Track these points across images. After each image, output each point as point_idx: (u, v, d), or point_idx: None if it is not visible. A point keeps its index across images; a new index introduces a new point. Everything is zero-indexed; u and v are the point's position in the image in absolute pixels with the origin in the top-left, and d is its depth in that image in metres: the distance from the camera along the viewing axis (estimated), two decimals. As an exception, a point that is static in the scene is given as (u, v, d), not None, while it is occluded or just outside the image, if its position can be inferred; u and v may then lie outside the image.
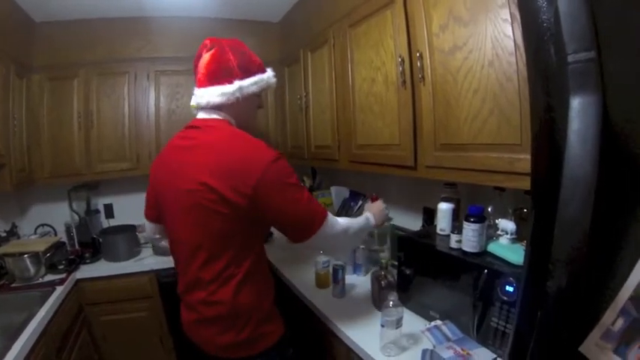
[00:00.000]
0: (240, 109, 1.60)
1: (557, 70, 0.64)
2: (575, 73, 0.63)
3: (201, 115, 1.59)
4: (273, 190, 1.41)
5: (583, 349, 0.69)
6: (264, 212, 1.44)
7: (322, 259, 2.24)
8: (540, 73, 0.70)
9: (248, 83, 1.56)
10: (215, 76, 1.53)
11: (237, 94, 1.54)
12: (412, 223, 2.56)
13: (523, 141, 1.34)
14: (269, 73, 1.65)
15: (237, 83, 1.53)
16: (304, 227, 1.50)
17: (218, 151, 1.44)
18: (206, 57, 1.54)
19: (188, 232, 1.53)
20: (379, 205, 1.90)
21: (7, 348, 1.81)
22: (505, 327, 1.43)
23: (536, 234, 0.70)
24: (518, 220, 1.64)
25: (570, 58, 0.63)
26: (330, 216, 1.56)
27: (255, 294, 1.55)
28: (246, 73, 1.56)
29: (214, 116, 1.56)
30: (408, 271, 1.88)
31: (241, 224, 1.46)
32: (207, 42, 1.57)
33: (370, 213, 1.80)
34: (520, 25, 1.29)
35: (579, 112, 0.61)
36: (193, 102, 1.61)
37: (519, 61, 1.33)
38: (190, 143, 1.53)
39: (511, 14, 1.34)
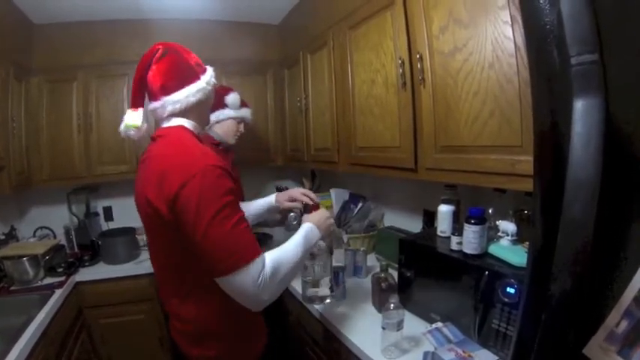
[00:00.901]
0: (204, 106, 1.56)
1: (560, 73, 0.64)
2: (578, 76, 0.62)
3: (163, 125, 1.49)
4: (190, 206, 1.22)
5: (587, 351, 0.69)
6: (184, 229, 1.26)
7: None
8: (543, 76, 0.69)
9: (209, 75, 1.55)
10: (181, 79, 1.46)
11: (209, 87, 1.52)
12: (412, 225, 2.56)
13: (524, 142, 1.34)
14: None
15: (203, 78, 1.51)
16: (214, 263, 1.26)
17: (156, 162, 1.35)
18: (163, 64, 1.45)
19: (149, 244, 1.55)
20: (322, 213, 1.71)
21: (7, 351, 1.81)
22: (506, 329, 1.43)
23: (540, 236, 0.70)
24: (519, 221, 1.63)
25: (573, 61, 0.63)
26: (257, 263, 1.29)
27: (218, 312, 1.45)
28: (203, 67, 1.55)
29: (172, 123, 1.47)
30: (408, 273, 1.88)
31: (173, 238, 1.33)
32: (160, 47, 1.48)
33: (311, 223, 1.61)
34: (521, 27, 1.29)
35: (582, 115, 0.61)
36: (136, 121, 1.48)
37: (520, 63, 1.32)
38: (145, 157, 1.45)
39: (511, 16, 1.33)
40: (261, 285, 1.28)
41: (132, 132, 1.49)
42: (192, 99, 1.46)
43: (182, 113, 1.47)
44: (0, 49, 2.63)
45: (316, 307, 2.05)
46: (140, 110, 1.49)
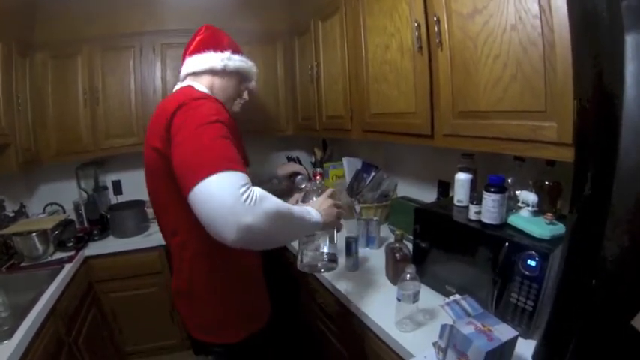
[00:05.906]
0: (220, 83, 1.68)
1: (607, 11, 0.58)
2: (630, 11, 0.56)
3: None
4: (180, 128, 1.22)
5: (636, 322, 0.64)
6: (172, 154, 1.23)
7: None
8: (585, 16, 0.63)
9: (237, 58, 1.71)
10: (206, 46, 1.65)
11: (227, 62, 1.65)
12: (426, 195, 2.53)
13: (548, 108, 1.27)
14: (252, 63, 1.80)
15: (227, 53, 1.67)
16: (188, 171, 1.13)
17: (157, 111, 1.42)
18: (199, 36, 1.70)
19: (150, 194, 1.53)
20: (326, 200, 1.50)
21: (17, 326, 1.81)
22: (525, 303, 1.39)
23: (585, 192, 0.63)
24: (539, 192, 1.57)
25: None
26: (239, 175, 1.11)
27: (211, 275, 1.49)
28: (236, 51, 1.73)
29: (185, 84, 1.61)
30: (423, 244, 1.84)
31: (169, 181, 1.30)
32: (203, 27, 1.73)
33: (313, 208, 1.42)
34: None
35: (636, 51, 0.55)
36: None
37: (544, 25, 1.24)
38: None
39: (536, -26, 1.25)
40: (246, 200, 1.06)
41: None
42: (205, 63, 1.62)
43: (195, 76, 1.64)
44: (2, 25, 2.57)
45: (327, 279, 2.03)
46: None
